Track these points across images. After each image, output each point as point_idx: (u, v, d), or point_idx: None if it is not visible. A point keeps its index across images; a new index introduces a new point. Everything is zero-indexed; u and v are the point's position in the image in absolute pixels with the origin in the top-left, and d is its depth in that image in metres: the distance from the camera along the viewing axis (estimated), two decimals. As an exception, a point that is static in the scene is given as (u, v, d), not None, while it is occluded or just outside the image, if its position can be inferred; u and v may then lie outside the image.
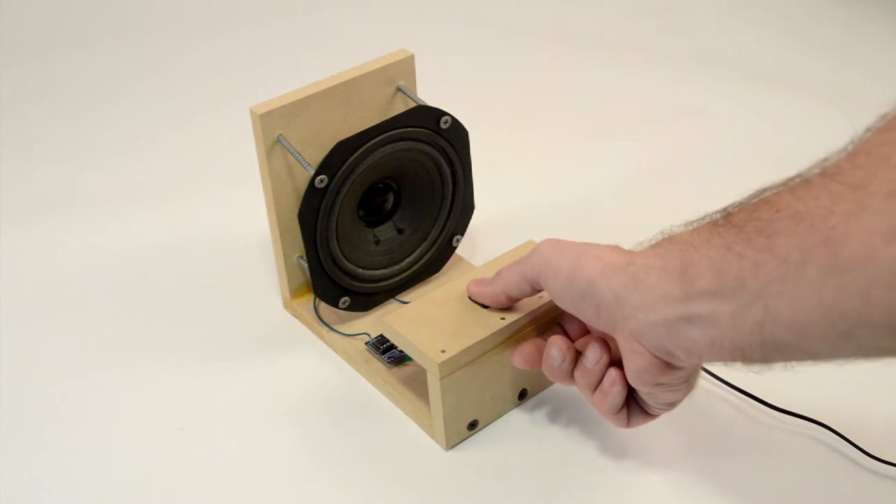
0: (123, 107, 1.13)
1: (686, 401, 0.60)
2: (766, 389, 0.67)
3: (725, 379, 0.68)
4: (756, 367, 0.49)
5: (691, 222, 0.52)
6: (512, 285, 0.62)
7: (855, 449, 0.63)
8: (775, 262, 0.44)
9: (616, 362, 0.59)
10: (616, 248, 0.56)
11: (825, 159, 0.45)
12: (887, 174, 0.40)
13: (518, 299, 0.64)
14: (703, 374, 0.68)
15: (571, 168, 0.97)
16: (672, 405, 0.59)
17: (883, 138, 0.42)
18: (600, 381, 0.59)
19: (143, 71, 1.21)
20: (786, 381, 0.66)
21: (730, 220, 0.48)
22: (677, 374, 0.55)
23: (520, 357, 0.63)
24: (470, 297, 0.66)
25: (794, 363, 0.47)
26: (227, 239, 0.88)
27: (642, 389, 0.57)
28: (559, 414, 0.68)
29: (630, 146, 1.00)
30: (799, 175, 0.46)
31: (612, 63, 1.17)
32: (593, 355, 0.59)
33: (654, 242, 0.53)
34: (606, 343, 0.59)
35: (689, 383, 0.57)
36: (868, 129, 0.43)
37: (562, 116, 1.07)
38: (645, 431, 0.66)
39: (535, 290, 0.61)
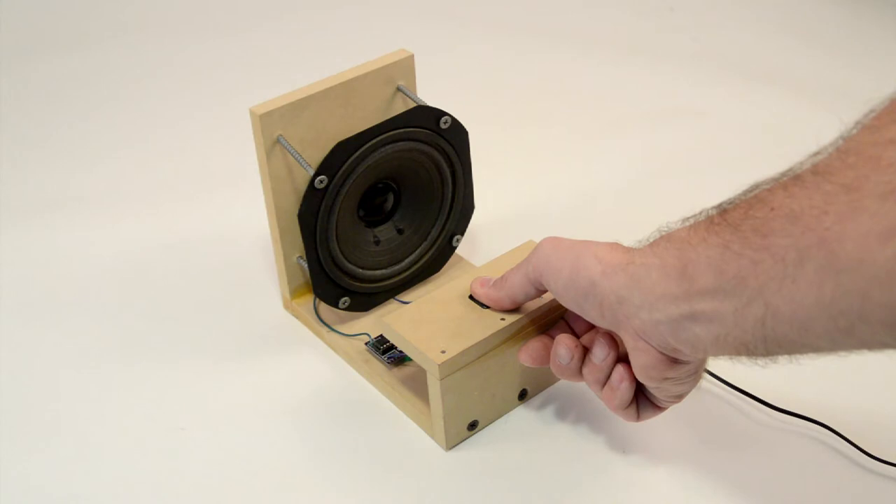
0: (123, 107, 1.13)
1: (686, 400, 0.60)
2: (766, 389, 0.67)
3: (726, 379, 0.68)
4: (761, 361, 0.50)
5: (687, 218, 0.52)
6: (517, 290, 0.62)
7: (855, 449, 0.63)
8: (773, 260, 0.45)
9: (623, 358, 0.59)
10: (615, 246, 0.56)
11: (817, 153, 0.45)
12: (879, 176, 0.41)
13: (523, 303, 0.64)
14: (705, 374, 0.68)
15: (571, 168, 0.97)
16: (681, 397, 0.59)
17: (872, 138, 0.42)
18: (608, 377, 0.60)
19: (142, 71, 1.21)
20: (786, 381, 0.66)
21: (725, 219, 0.48)
22: (684, 368, 0.55)
23: (527, 355, 0.63)
24: (472, 297, 0.66)
25: (798, 356, 0.48)
26: (227, 239, 0.88)
27: (650, 384, 0.57)
28: (559, 414, 0.68)
29: (630, 146, 1.00)
30: (791, 170, 0.46)
31: (612, 63, 1.17)
32: (601, 352, 0.59)
33: (651, 240, 0.54)
34: (613, 339, 0.60)
35: (696, 375, 0.57)
36: (857, 123, 0.44)
37: (562, 116, 1.07)
38: (644, 433, 0.66)
39: (540, 291, 0.62)
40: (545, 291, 0.62)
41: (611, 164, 0.98)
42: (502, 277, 0.64)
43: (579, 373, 0.61)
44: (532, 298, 0.63)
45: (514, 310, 0.64)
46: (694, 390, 0.59)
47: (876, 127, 0.42)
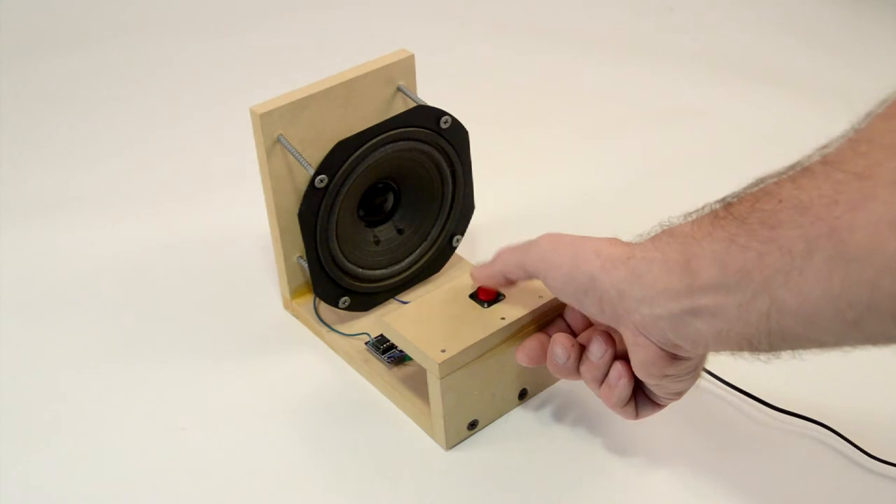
0: (123, 107, 1.13)
1: (686, 400, 0.60)
2: (766, 389, 0.67)
3: (726, 379, 0.68)
4: (763, 356, 0.49)
5: (689, 214, 0.52)
6: (510, 270, 0.62)
7: (855, 449, 0.63)
8: (780, 253, 0.44)
9: (621, 355, 0.59)
10: (614, 241, 0.56)
11: (825, 146, 0.45)
12: (892, 163, 0.40)
13: (514, 282, 0.64)
14: (704, 374, 0.68)
15: (572, 168, 0.97)
16: (680, 395, 0.59)
17: (886, 126, 0.42)
18: (606, 374, 0.59)
19: (143, 71, 1.21)
20: (786, 381, 0.66)
21: (731, 212, 0.48)
22: (684, 364, 0.55)
23: (524, 355, 0.63)
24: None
25: (801, 351, 0.47)
26: (227, 239, 0.88)
27: (649, 381, 0.57)
28: (559, 414, 0.68)
29: (630, 146, 1.00)
30: (798, 163, 0.46)
31: (612, 63, 1.17)
32: (598, 349, 0.59)
33: (652, 235, 0.53)
34: (610, 336, 0.59)
35: (695, 372, 0.57)
36: (868, 115, 0.43)
37: (562, 116, 1.07)
38: (644, 432, 0.66)
39: (532, 276, 0.61)
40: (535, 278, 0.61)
41: (611, 164, 0.98)
42: (497, 256, 0.63)
43: (577, 371, 0.61)
44: (522, 279, 0.63)
45: (515, 309, 0.64)
46: (693, 390, 0.59)
47: (889, 115, 0.42)
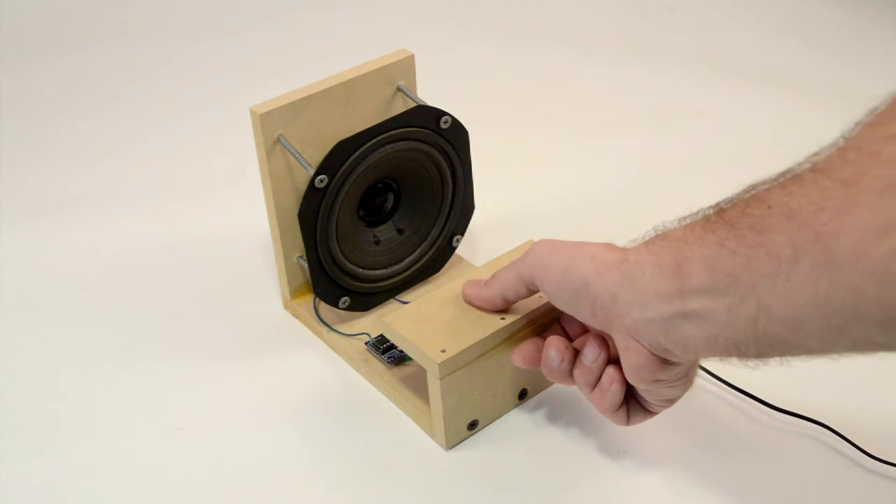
0: (123, 107, 1.13)
1: (685, 400, 0.60)
2: (765, 389, 0.67)
3: (725, 379, 0.68)
4: (751, 362, 0.50)
5: (684, 218, 0.52)
6: (508, 287, 0.62)
7: (855, 449, 0.63)
8: (768, 258, 0.45)
9: (615, 360, 0.59)
10: (609, 246, 0.56)
11: (816, 154, 0.45)
12: (879, 170, 0.41)
13: (514, 301, 0.64)
14: (703, 374, 0.68)
15: (572, 168, 0.97)
16: (671, 401, 0.59)
17: (873, 134, 0.42)
18: (599, 379, 0.59)
19: (143, 71, 1.21)
20: (785, 381, 0.66)
21: (722, 217, 0.48)
22: (675, 369, 0.55)
23: (520, 356, 0.63)
24: (465, 299, 0.66)
25: (789, 358, 0.48)
26: (227, 239, 0.88)
27: (641, 386, 0.57)
28: (559, 414, 0.68)
29: (630, 146, 1.00)
30: (790, 170, 0.46)
31: (612, 63, 1.17)
32: (591, 353, 0.59)
33: (646, 239, 0.54)
34: (604, 341, 0.59)
35: (687, 379, 0.57)
36: (858, 123, 0.44)
37: (562, 116, 1.07)
38: (644, 432, 0.66)
39: (532, 291, 0.62)
40: (536, 292, 0.61)
41: (611, 164, 0.98)
42: (493, 276, 0.64)
43: (570, 375, 0.61)
44: (522, 297, 0.63)
45: (514, 309, 0.64)
46: (693, 390, 0.59)
47: (877, 123, 0.42)
